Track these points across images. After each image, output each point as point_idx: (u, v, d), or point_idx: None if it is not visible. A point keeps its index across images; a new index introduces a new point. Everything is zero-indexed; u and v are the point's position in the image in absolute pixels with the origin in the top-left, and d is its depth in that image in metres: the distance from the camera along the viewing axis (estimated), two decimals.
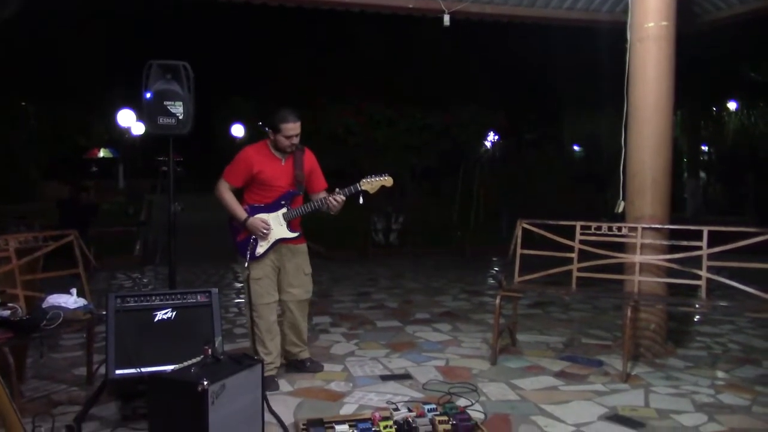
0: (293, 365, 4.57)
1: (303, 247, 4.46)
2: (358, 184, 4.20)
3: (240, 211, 4.23)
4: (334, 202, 4.20)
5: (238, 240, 4.28)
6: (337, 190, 4.22)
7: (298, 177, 4.30)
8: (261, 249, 4.23)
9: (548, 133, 19.27)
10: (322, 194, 4.43)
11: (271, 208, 4.26)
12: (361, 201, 4.27)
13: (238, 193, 4.32)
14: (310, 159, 4.42)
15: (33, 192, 16.86)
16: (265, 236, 4.21)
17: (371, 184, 4.21)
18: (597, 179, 15.06)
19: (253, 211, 4.26)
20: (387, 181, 4.23)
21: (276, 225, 4.25)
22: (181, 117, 4.06)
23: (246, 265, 4.12)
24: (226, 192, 4.26)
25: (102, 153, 32.80)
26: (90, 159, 32.12)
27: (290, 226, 4.28)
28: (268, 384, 4.03)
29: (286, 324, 4.49)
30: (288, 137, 4.20)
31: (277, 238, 4.26)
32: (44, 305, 4.01)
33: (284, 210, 4.26)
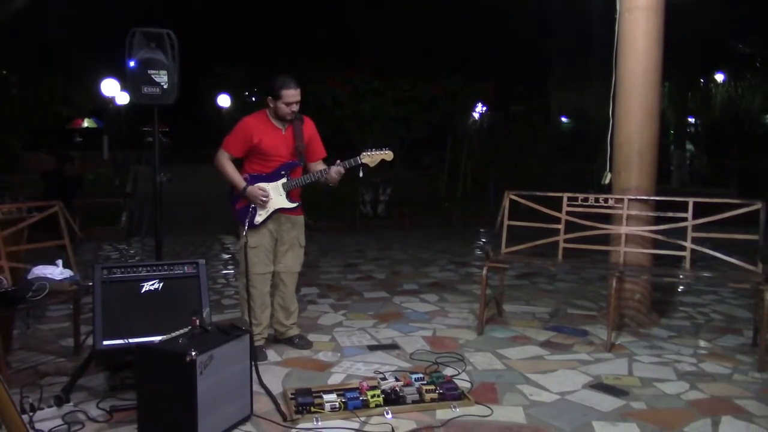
0: (282, 342, 4.56)
1: (301, 219, 4.45)
2: (358, 158, 4.18)
3: (239, 180, 4.21)
4: (334, 175, 4.17)
5: (237, 208, 4.27)
6: (338, 162, 4.19)
7: (298, 147, 4.27)
8: (260, 218, 4.22)
9: (536, 104, 19.21)
10: (321, 164, 4.42)
11: (271, 177, 4.24)
12: (361, 174, 4.26)
13: (238, 163, 4.30)
14: (309, 127, 4.39)
15: (16, 163, 16.61)
16: (263, 204, 4.19)
17: (372, 157, 4.19)
18: (584, 151, 15.08)
19: (253, 180, 4.23)
20: (387, 155, 4.22)
21: (275, 194, 4.23)
22: (165, 86, 4.02)
23: (244, 233, 4.11)
24: (226, 162, 4.23)
25: (86, 123, 32.38)
26: (74, 129, 31.69)
27: (289, 197, 4.26)
28: (257, 354, 4.05)
29: (277, 300, 4.49)
30: (288, 104, 4.15)
31: (276, 207, 4.25)
32: (30, 276, 3.99)
33: (284, 180, 4.24)
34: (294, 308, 4.55)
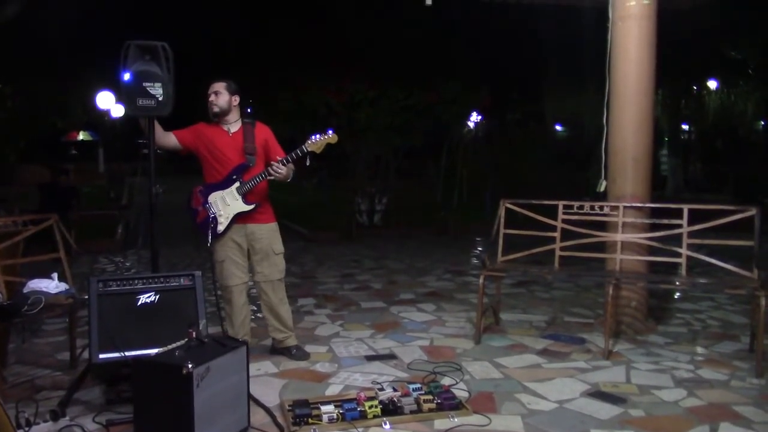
0: (279, 352, 4.55)
1: (272, 225, 4.45)
2: (304, 146, 4.18)
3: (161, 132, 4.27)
4: (278, 171, 4.17)
5: (199, 222, 4.31)
6: (279, 158, 4.23)
7: (247, 149, 4.31)
8: (221, 226, 4.26)
9: (531, 112, 19.28)
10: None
11: (224, 184, 4.28)
12: (308, 163, 4.27)
13: (198, 177, 4.42)
14: (262, 131, 4.43)
15: (11, 175, 16.58)
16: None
17: (316, 144, 4.18)
18: (579, 158, 15.13)
19: (207, 189, 4.31)
20: (332, 138, 4.20)
21: (232, 200, 4.26)
22: (160, 98, 4.00)
23: (208, 244, 4.14)
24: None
25: (81, 136, 32.33)
26: (69, 142, 31.67)
27: (246, 199, 4.27)
28: None
29: (264, 308, 4.49)
30: (208, 95, 4.33)
31: (235, 212, 4.27)
32: (25, 290, 3.97)
33: (237, 184, 4.27)
34: (285, 314, 4.50)
